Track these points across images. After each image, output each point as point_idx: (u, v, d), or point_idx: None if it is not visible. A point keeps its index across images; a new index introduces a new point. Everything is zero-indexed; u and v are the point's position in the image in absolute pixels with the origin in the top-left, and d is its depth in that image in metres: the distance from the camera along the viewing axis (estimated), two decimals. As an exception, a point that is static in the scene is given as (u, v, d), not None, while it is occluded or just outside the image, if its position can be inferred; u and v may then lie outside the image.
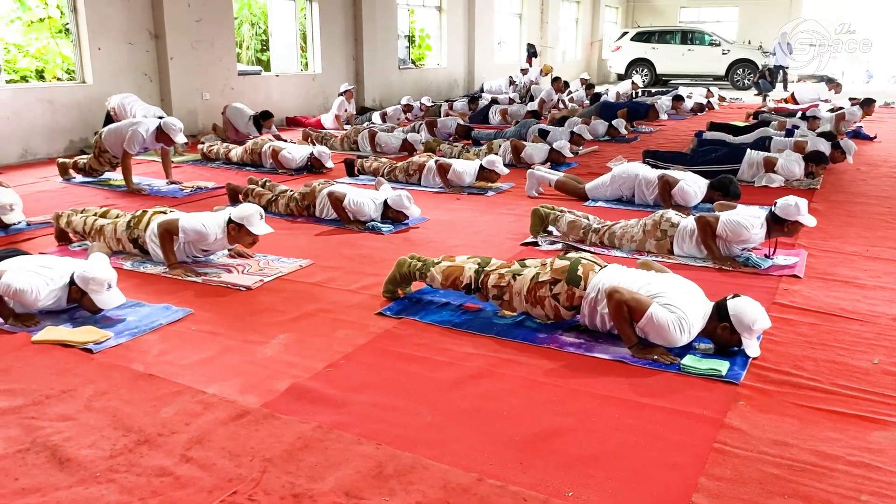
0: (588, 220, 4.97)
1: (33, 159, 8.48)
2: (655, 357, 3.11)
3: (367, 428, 2.59)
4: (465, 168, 6.85)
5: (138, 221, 4.54)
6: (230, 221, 4.30)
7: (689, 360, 3.08)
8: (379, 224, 5.44)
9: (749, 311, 3.11)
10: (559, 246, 4.90)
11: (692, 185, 5.74)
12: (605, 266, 3.44)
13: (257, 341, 3.37)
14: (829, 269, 4.46)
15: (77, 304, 3.63)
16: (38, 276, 3.53)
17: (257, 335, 3.44)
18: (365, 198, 5.48)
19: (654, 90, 16.84)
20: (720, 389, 2.90)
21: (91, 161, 7.01)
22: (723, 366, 3.02)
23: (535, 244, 4.98)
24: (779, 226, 4.44)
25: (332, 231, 5.38)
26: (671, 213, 4.83)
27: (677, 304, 3.12)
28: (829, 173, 7.73)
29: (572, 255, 3.53)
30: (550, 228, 5.08)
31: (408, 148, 8.94)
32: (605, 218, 5.13)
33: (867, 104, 11.43)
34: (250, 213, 4.27)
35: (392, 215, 5.49)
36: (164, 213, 4.55)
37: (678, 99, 13.97)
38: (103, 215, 4.84)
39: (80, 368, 3.06)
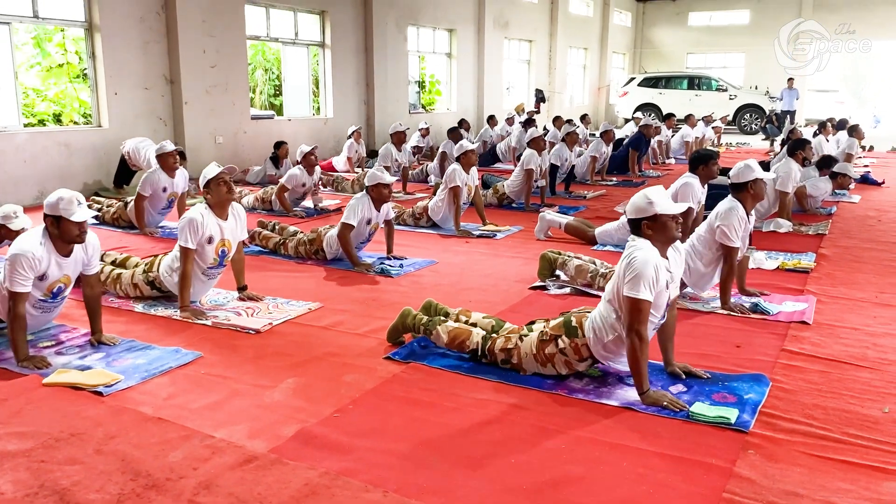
0: (595, 264, 4.99)
1: (48, 201, 8.60)
2: (665, 404, 3.10)
3: (375, 475, 2.59)
4: (449, 171, 6.96)
5: (151, 266, 4.61)
6: (206, 185, 4.38)
7: (697, 408, 3.07)
8: (388, 266, 5.48)
9: (637, 200, 3.24)
10: (567, 290, 4.91)
11: (682, 181, 5.83)
12: (593, 310, 3.45)
13: (266, 385, 3.38)
14: (839, 315, 4.45)
15: (59, 238, 3.60)
16: (18, 240, 3.59)
17: (266, 379, 3.45)
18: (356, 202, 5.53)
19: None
20: (729, 438, 2.88)
21: (105, 213, 7.13)
22: (732, 413, 3.01)
23: (544, 288, 5.00)
24: (745, 192, 4.48)
25: (341, 274, 5.42)
26: None
27: (627, 265, 3.17)
28: (837, 219, 7.75)
29: (566, 313, 3.53)
30: (558, 272, 5.10)
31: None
32: (612, 263, 5.15)
33: (855, 129, 11.56)
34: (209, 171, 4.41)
35: (376, 195, 5.50)
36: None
37: (669, 117, 14.81)
38: (122, 264, 4.89)
39: (89, 411, 3.08)
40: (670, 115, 14.94)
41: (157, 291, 4.60)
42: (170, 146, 6.79)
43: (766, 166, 11.54)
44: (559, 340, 3.36)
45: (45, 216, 3.61)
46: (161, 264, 4.56)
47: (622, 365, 3.34)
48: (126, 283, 4.65)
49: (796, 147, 7.59)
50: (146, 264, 4.68)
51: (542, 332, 3.43)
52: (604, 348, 3.30)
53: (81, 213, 3.57)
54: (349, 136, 11.58)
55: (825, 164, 8.35)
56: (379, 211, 5.60)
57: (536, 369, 3.44)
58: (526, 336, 3.48)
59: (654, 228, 3.20)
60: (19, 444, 2.78)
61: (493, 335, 3.59)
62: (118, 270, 4.74)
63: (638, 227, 3.23)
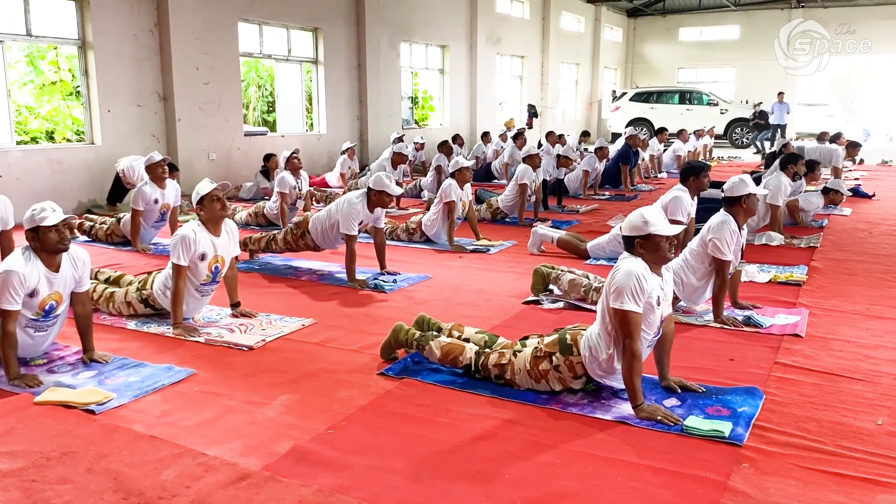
0: (588, 279, 5.00)
1: (41, 219, 8.57)
2: (659, 418, 3.10)
3: (369, 491, 2.58)
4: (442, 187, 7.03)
5: (144, 283, 4.60)
6: (199, 202, 4.39)
7: (691, 422, 3.07)
8: (382, 282, 5.48)
9: (632, 218, 3.27)
10: (561, 304, 4.92)
11: (672, 195, 5.86)
12: (588, 328, 3.46)
13: (259, 402, 3.37)
14: (831, 328, 4.47)
15: (42, 251, 3.59)
16: (5, 260, 3.59)
17: (259, 396, 3.44)
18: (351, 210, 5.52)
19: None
20: (723, 451, 2.88)
21: (98, 230, 7.13)
22: (726, 427, 3.01)
23: (538, 303, 5.00)
24: (738, 206, 4.51)
25: (334, 290, 5.42)
26: None
27: (611, 278, 3.21)
28: (829, 232, 7.79)
29: (561, 329, 3.54)
30: (552, 287, 5.11)
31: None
32: (605, 277, 5.15)
33: (854, 146, 11.58)
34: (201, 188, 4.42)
35: (376, 199, 5.51)
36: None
37: (661, 131, 14.74)
38: (115, 282, 4.88)
39: (81, 430, 3.06)
40: (662, 130, 15.00)
41: (151, 309, 4.59)
42: (158, 156, 6.81)
43: (757, 179, 11.43)
44: (553, 357, 3.36)
45: (26, 232, 3.61)
46: (155, 282, 4.55)
47: (618, 382, 3.34)
48: (119, 301, 4.63)
49: (788, 161, 7.66)
50: (140, 282, 4.67)
51: (537, 349, 3.43)
52: (599, 367, 3.30)
53: (54, 216, 3.56)
54: (343, 152, 11.60)
55: (808, 168, 8.44)
56: (372, 213, 5.62)
57: (530, 385, 3.43)
58: (519, 352, 3.48)
59: (647, 248, 3.22)
60: (10, 464, 2.76)
61: (487, 350, 3.58)
62: (111, 289, 4.72)
63: (631, 244, 3.26)
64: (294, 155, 8.06)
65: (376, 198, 5.51)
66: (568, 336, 3.40)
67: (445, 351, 3.64)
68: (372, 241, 5.86)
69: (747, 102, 22.58)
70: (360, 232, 5.67)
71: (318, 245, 5.79)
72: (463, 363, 3.59)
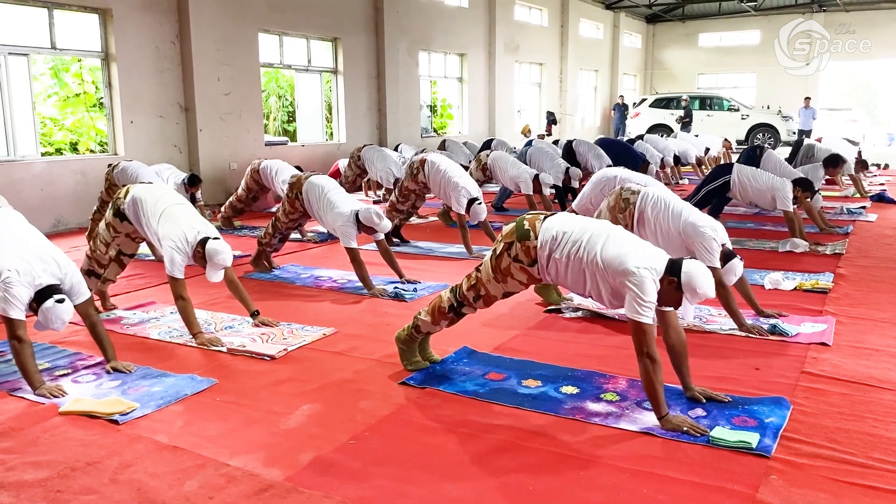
0: None
1: (65, 229, 8.69)
2: (685, 429, 3.06)
3: (391, 503, 2.56)
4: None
5: (117, 196, 4.74)
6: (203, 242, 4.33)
7: (718, 433, 3.02)
8: (402, 291, 5.47)
9: (701, 277, 3.08)
10: (580, 314, 4.88)
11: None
12: (551, 215, 3.47)
13: (281, 412, 3.37)
14: (859, 336, 4.39)
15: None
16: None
17: (281, 406, 3.44)
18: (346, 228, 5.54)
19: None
20: (751, 463, 2.83)
21: None
22: (753, 438, 2.96)
23: (559, 311, 4.97)
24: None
25: (355, 299, 5.42)
26: (632, 184, 5.02)
27: (644, 263, 3.11)
28: (854, 238, 7.68)
29: (518, 217, 3.54)
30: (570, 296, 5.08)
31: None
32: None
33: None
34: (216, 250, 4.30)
35: (364, 231, 5.60)
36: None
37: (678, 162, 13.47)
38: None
39: (105, 440, 3.07)
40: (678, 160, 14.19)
41: (127, 221, 4.68)
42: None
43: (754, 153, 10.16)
44: (511, 248, 3.41)
45: (34, 304, 3.53)
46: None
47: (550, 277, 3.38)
48: (102, 230, 4.78)
49: (800, 185, 7.10)
50: (114, 199, 4.76)
51: (494, 251, 3.49)
52: (547, 259, 3.33)
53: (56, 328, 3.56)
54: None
55: (832, 163, 8.48)
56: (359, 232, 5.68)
57: (502, 290, 3.53)
58: (481, 266, 3.57)
59: (671, 286, 3.12)
60: (35, 474, 2.78)
61: (458, 283, 3.67)
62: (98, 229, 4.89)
63: (669, 272, 3.13)
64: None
65: (363, 228, 5.59)
66: (525, 222, 3.43)
67: (431, 311, 3.75)
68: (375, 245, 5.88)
69: (768, 108, 22.41)
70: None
71: (308, 211, 5.88)
72: (447, 307, 3.68)
